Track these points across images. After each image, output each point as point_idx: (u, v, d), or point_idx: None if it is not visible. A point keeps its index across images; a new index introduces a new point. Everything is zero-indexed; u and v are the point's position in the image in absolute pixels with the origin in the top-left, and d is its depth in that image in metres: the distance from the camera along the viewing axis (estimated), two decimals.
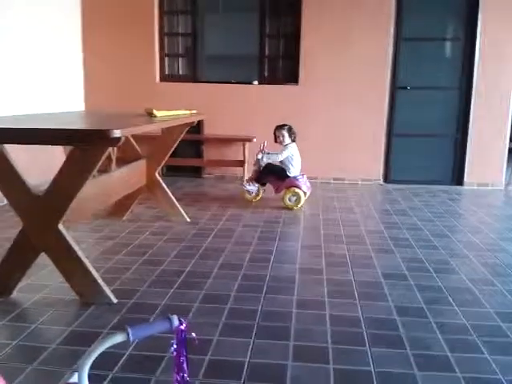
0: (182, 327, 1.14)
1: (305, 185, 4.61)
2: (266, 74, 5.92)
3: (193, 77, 6.02)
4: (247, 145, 5.59)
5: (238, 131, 5.79)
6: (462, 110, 5.62)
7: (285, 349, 2.07)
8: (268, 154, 4.64)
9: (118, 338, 1.07)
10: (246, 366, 1.93)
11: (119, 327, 2.19)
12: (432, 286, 2.79)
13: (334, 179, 5.81)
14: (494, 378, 1.89)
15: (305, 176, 4.69)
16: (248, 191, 4.75)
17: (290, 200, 4.54)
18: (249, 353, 2.02)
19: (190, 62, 6.07)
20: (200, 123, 5.78)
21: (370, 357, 2.02)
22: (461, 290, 2.73)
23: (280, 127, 4.69)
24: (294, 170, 4.62)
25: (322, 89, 5.67)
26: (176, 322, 1.12)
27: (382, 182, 5.79)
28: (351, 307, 2.49)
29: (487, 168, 5.62)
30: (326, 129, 5.75)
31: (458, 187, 5.67)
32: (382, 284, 2.81)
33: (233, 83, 5.84)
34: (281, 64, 5.93)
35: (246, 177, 5.28)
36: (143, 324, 1.13)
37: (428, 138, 5.71)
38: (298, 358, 2.00)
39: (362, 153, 5.73)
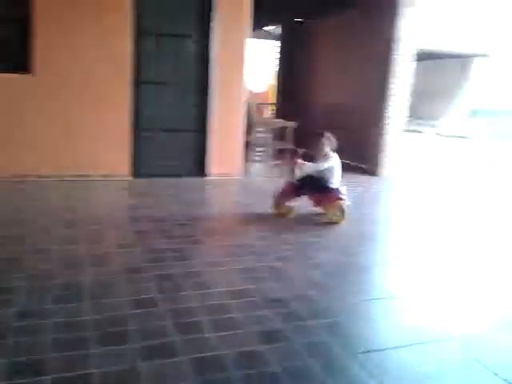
0: None
1: (347, 196, 4.28)
2: None
3: None
4: None
5: None
6: (201, 106, 5.94)
7: None
8: (306, 164, 4.14)
9: None
10: None
11: None
12: (165, 275, 2.84)
13: (79, 176, 5.46)
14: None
15: (344, 187, 4.35)
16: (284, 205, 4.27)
17: (335, 214, 4.17)
18: None
19: None
20: None
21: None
22: (193, 275, 2.85)
23: (319, 135, 4.26)
24: (336, 182, 4.25)
25: (60, 81, 5.25)
26: None
27: (130, 177, 5.71)
28: (80, 309, 2.34)
29: (227, 159, 6.09)
30: (67, 124, 5.36)
31: (203, 178, 6.01)
32: (116, 279, 2.72)
33: None
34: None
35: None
36: None
37: (173, 132, 5.87)
38: None
39: (108, 149, 5.53)
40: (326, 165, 4.16)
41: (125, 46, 5.44)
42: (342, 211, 4.16)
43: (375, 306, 2.60)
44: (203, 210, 4.62)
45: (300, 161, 4.17)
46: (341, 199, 4.18)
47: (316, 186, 4.23)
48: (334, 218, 4.15)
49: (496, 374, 2.02)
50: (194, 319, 2.30)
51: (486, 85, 16.80)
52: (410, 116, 16.76)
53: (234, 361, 1.97)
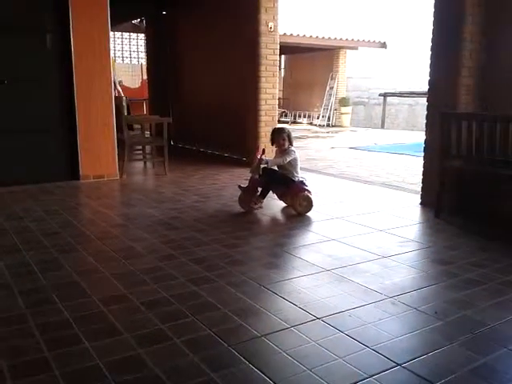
0: None
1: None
2: None
3: None
4: None
5: None
6: (66, 104, 5.58)
7: None
8: (268, 159, 4.31)
9: None
10: None
11: None
12: (35, 288, 2.63)
13: None
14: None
15: (305, 179, 4.48)
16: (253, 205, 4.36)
17: (301, 205, 4.25)
18: None
19: None
20: None
21: None
22: (66, 285, 2.68)
23: (280, 130, 4.45)
24: (297, 175, 4.40)
25: None
26: None
27: None
28: None
29: (99, 160, 5.81)
30: None
31: (76, 181, 5.67)
32: None
33: None
34: None
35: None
36: None
37: (37, 133, 5.46)
38: None
39: None
40: (288, 158, 4.31)
41: None
42: (309, 202, 4.29)
43: None
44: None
45: (263, 156, 4.29)
46: (304, 190, 4.33)
47: (279, 180, 4.39)
48: (300, 209, 4.27)
49: None
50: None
51: (354, 75, 18.11)
52: (287, 108, 17.61)
53: None
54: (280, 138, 4.39)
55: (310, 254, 3.26)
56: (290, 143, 4.42)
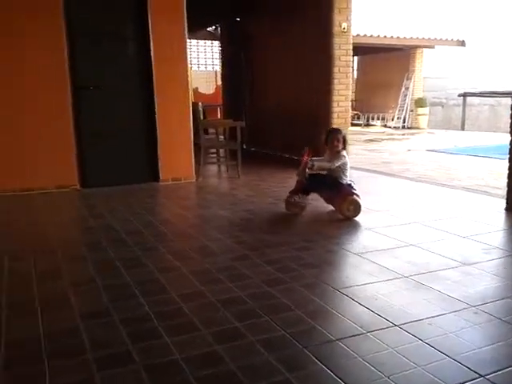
0: None
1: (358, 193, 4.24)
2: None
3: None
4: None
5: None
6: (147, 109, 5.86)
7: None
8: (315, 161, 4.20)
9: None
10: None
11: None
12: (119, 284, 2.78)
13: (22, 190, 5.27)
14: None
15: (353, 182, 4.35)
16: (297, 203, 4.30)
17: (348, 210, 4.12)
18: None
19: None
20: None
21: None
22: (147, 282, 2.81)
23: (335, 131, 4.36)
24: (346, 179, 4.27)
25: None
26: None
27: (78, 187, 5.57)
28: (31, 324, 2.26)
29: (178, 163, 6.04)
30: (5, 137, 5.17)
31: (156, 183, 5.93)
32: (68, 294, 2.65)
33: None
34: None
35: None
36: None
37: (120, 138, 5.77)
38: None
39: (52, 159, 5.38)
40: (337, 163, 4.19)
41: (60, 48, 5.28)
42: (356, 206, 4.16)
43: None
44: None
45: (309, 159, 4.18)
46: (352, 194, 4.19)
47: (326, 184, 4.28)
48: (347, 214, 4.15)
49: None
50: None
51: (432, 75, 17.44)
52: (360, 110, 17.28)
53: None
54: (335, 138, 4.24)
55: (386, 259, 3.17)
56: (344, 146, 4.30)
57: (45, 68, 5.23)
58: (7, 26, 5.04)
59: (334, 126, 4.43)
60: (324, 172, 4.30)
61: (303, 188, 4.31)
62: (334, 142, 4.24)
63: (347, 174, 4.30)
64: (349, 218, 4.13)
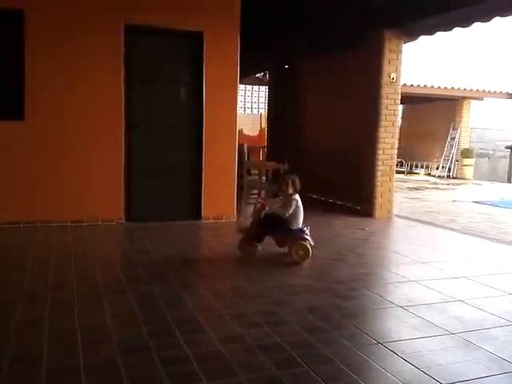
0: None
1: (310, 237, 4.29)
2: None
3: None
4: None
5: None
6: (195, 150, 6.01)
7: None
8: (271, 206, 4.40)
9: None
10: None
11: None
12: (159, 321, 2.79)
13: (73, 222, 5.45)
14: None
15: (308, 228, 4.37)
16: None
17: (297, 254, 4.17)
18: None
19: None
20: None
21: None
22: (186, 321, 2.81)
23: (284, 176, 4.55)
24: (298, 222, 4.35)
25: (52, 127, 5.35)
26: None
27: (123, 221, 5.70)
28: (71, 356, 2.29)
29: (220, 203, 6.11)
30: (60, 169, 5.41)
31: (197, 221, 6.00)
32: (108, 326, 2.68)
33: None
34: None
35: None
36: None
37: (166, 175, 5.91)
38: None
39: (101, 193, 5.55)
40: (290, 210, 4.28)
41: (118, 90, 5.56)
42: (306, 250, 4.18)
43: None
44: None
45: (265, 202, 4.44)
46: (303, 239, 4.23)
47: (278, 228, 4.33)
48: (296, 258, 4.16)
49: None
50: None
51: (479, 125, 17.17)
52: (403, 158, 17.11)
53: None
54: (284, 183, 4.39)
55: (432, 313, 3.05)
56: (295, 189, 4.37)
57: (104, 108, 5.51)
58: (70, 70, 5.37)
59: (284, 172, 4.66)
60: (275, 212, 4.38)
61: (255, 236, 4.39)
62: (282, 186, 4.41)
63: (299, 219, 4.36)
64: (297, 263, 4.12)
